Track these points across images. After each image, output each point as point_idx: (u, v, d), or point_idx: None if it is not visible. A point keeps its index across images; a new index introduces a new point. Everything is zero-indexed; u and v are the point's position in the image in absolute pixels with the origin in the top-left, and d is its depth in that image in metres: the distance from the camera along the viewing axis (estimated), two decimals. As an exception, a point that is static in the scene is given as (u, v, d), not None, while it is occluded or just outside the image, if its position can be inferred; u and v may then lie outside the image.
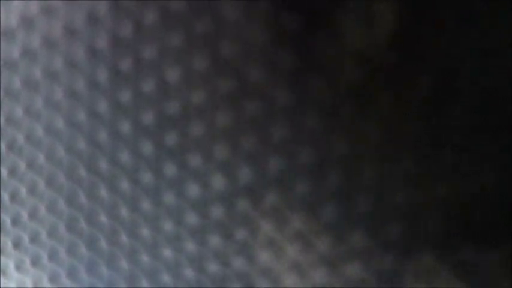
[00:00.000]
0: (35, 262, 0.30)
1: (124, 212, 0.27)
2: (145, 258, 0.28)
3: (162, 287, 0.28)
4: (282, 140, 0.25)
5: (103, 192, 0.28)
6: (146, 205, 0.27)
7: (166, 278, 0.28)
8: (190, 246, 0.27)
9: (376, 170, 0.24)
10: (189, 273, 0.27)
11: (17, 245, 0.30)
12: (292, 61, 0.24)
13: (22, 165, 0.29)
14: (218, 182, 0.26)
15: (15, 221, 0.30)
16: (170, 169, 0.26)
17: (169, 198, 0.27)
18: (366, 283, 0.24)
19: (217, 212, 0.26)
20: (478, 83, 0.23)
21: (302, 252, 0.25)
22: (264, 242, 0.26)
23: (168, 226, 0.27)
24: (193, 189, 0.26)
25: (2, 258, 0.31)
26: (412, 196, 0.23)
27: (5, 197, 0.29)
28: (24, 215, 0.29)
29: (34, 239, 0.29)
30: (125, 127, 0.26)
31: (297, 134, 0.24)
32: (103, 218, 0.28)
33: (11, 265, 0.31)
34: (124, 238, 0.28)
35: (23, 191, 0.29)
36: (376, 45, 0.23)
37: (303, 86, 0.24)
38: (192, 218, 0.27)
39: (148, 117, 0.26)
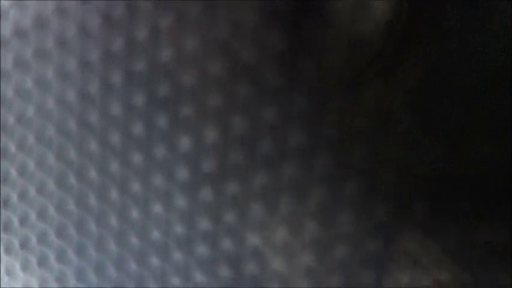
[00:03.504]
0: (23, 221, 0.29)
1: (114, 166, 0.27)
2: (135, 214, 0.27)
3: (151, 242, 0.27)
4: (277, 88, 0.24)
5: (93, 146, 0.27)
6: (137, 158, 0.26)
7: (156, 234, 0.27)
8: (180, 201, 0.26)
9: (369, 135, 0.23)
10: (179, 229, 0.26)
11: (6, 202, 0.29)
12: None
13: (11, 120, 0.28)
14: (210, 134, 0.25)
15: (5, 179, 0.29)
16: (162, 121, 0.26)
17: (160, 151, 0.26)
18: (356, 241, 0.24)
19: (208, 165, 0.26)
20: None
21: (295, 204, 0.25)
22: (256, 194, 0.25)
23: (158, 181, 0.26)
24: (185, 142, 0.26)
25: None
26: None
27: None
28: (13, 172, 0.29)
29: (23, 196, 0.29)
30: (116, 78, 0.26)
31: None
32: (93, 174, 0.27)
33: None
34: (114, 194, 0.27)
35: (12, 147, 0.28)
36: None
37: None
38: (183, 173, 0.26)
39: (140, 66, 0.25)
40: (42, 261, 0.29)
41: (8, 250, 0.30)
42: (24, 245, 0.29)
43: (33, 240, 0.29)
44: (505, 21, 0.22)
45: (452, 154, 0.23)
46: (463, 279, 0.22)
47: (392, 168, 0.23)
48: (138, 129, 0.26)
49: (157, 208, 0.27)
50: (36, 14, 0.26)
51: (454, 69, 0.22)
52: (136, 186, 0.27)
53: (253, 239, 0.25)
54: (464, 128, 0.22)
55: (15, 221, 0.29)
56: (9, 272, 0.30)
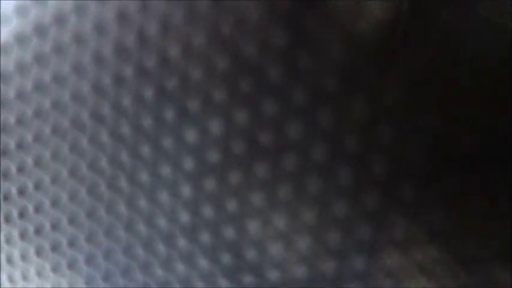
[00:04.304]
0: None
1: (124, 157, 0.28)
2: (143, 202, 0.29)
3: (158, 230, 0.28)
4: (277, 82, 0.25)
5: (105, 138, 0.29)
6: (146, 150, 0.28)
7: (162, 222, 0.28)
8: (186, 190, 0.28)
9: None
10: (184, 217, 0.28)
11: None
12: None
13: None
14: (215, 126, 0.27)
15: (21, 169, 0.31)
16: (169, 114, 0.27)
17: (167, 142, 0.28)
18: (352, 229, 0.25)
19: (213, 156, 0.27)
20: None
21: (293, 193, 0.26)
22: (256, 184, 0.27)
23: (165, 171, 0.28)
24: (191, 135, 0.27)
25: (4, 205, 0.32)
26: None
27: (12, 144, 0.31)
28: (30, 162, 0.30)
29: (38, 186, 0.30)
30: (128, 72, 0.27)
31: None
32: (104, 164, 0.29)
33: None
34: (124, 184, 0.29)
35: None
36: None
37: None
38: (188, 163, 0.27)
39: (150, 62, 0.27)
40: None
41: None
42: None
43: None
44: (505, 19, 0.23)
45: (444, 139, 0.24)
46: (450, 258, 0.23)
47: (383, 155, 0.24)
48: (147, 122, 0.28)
49: (163, 197, 0.28)
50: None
51: (452, 68, 0.23)
52: (144, 177, 0.28)
53: (253, 227, 0.27)
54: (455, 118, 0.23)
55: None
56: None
